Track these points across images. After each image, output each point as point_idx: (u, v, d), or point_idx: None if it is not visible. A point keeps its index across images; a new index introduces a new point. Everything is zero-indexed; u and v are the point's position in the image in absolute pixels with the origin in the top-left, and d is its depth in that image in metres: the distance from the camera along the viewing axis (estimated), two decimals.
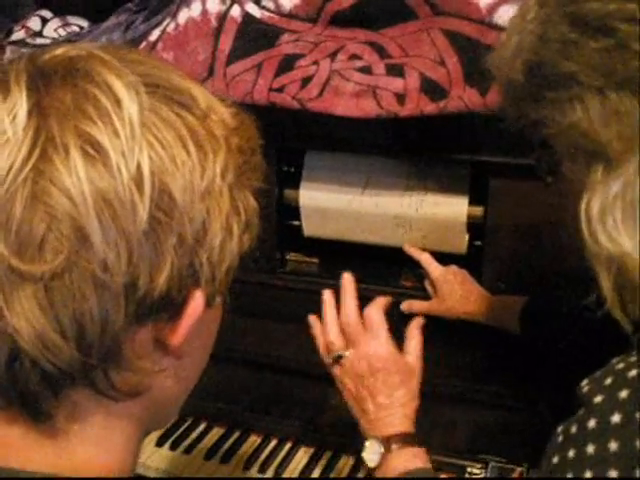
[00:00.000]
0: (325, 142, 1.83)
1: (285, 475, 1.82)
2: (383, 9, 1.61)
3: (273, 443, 1.93)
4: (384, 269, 1.96)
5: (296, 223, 1.95)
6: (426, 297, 1.86)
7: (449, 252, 1.84)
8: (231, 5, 1.73)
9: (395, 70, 1.60)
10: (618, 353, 0.97)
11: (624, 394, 0.90)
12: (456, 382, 1.78)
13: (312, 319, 1.60)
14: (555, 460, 0.95)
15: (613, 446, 0.87)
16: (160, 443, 1.93)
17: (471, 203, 1.78)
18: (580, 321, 1.07)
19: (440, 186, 1.80)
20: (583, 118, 0.98)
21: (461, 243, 1.81)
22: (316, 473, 1.82)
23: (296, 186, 1.90)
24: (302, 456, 1.89)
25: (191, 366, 0.87)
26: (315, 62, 1.65)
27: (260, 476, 1.82)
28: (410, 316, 1.82)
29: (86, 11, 2.11)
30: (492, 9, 1.54)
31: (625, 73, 0.94)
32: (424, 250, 1.86)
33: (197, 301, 0.76)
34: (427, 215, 1.79)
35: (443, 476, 1.78)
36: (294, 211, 1.93)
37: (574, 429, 0.93)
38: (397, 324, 1.84)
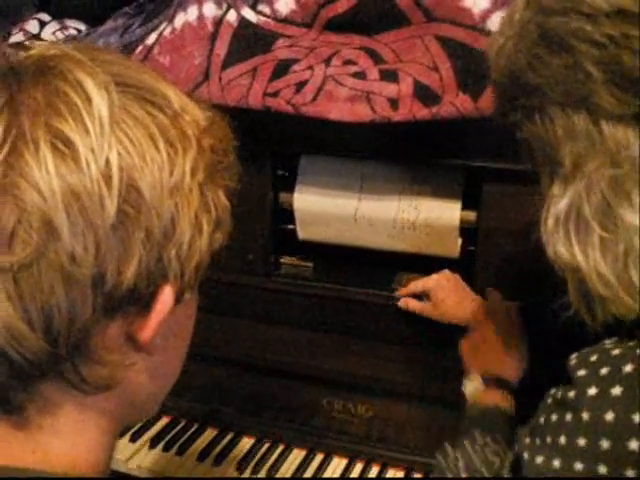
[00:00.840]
0: (319, 146, 1.83)
1: (278, 475, 1.83)
2: (377, 15, 1.62)
3: (266, 445, 1.94)
4: (378, 273, 1.96)
5: (290, 227, 1.95)
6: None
7: (442, 256, 1.84)
8: (227, 10, 1.73)
9: (389, 75, 1.60)
10: None
11: (617, 391, 0.96)
12: (447, 385, 1.78)
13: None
14: (541, 420, 1.07)
15: (585, 416, 0.97)
16: (153, 445, 1.94)
17: (464, 208, 1.78)
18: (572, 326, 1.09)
19: (433, 191, 1.80)
20: (548, 129, 1.02)
21: (454, 247, 1.82)
22: (308, 475, 1.83)
23: (291, 190, 1.91)
24: (294, 458, 1.90)
25: (166, 363, 0.88)
26: (310, 67, 1.65)
27: (253, 477, 1.83)
28: (404, 319, 1.83)
29: (84, 15, 2.12)
30: (485, 15, 1.55)
31: (581, 93, 0.96)
32: (418, 254, 1.87)
33: (166, 296, 0.77)
34: (420, 219, 1.79)
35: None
36: (289, 215, 1.93)
37: (569, 417, 1.01)
38: (392, 327, 1.87)
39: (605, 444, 0.94)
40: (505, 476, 1.23)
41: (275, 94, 1.66)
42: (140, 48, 1.80)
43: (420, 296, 1.84)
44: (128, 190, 0.72)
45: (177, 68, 1.75)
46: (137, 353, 0.79)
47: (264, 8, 1.71)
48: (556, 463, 1.00)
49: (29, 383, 0.75)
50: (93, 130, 0.70)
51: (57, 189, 0.68)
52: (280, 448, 1.93)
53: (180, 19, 1.78)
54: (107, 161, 0.70)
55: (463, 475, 1.34)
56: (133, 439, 1.96)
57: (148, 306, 0.77)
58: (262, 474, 1.83)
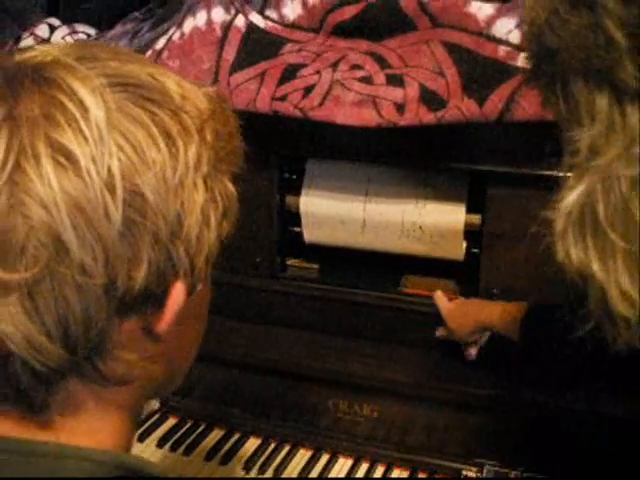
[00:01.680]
0: (326, 150, 1.85)
1: (284, 475, 1.84)
2: (384, 21, 1.64)
3: (272, 445, 1.95)
4: (384, 276, 1.98)
5: (297, 229, 1.97)
6: (426, 304, 1.88)
7: (447, 259, 1.86)
8: (235, 15, 1.75)
9: (395, 80, 1.62)
10: (617, 361, 0.93)
11: None
12: (452, 387, 1.80)
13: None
14: None
15: None
16: (160, 444, 1.96)
17: (469, 211, 1.80)
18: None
19: (438, 194, 1.82)
20: (568, 105, 0.88)
21: (459, 250, 1.83)
22: (314, 475, 1.84)
23: (297, 193, 1.93)
24: (300, 458, 1.91)
25: (180, 352, 0.90)
26: (317, 72, 1.67)
27: (260, 477, 1.84)
28: (409, 320, 1.85)
29: (93, 19, 2.13)
30: (490, 21, 1.56)
31: (603, 63, 0.81)
32: (423, 257, 1.89)
33: (177, 292, 0.78)
34: (426, 222, 1.81)
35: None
36: (295, 217, 1.95)
37: None
38: (397, 329, 1.88)
39: None
40: None
41: (283, 98, 1.68)
42: (149, 52, 1.82)
43: (425, 301, 1.87)
44: (132, 196, 0.72)
45: (186, 72, 1.76)
46: (154, 344, 0.81)
47: (272, 13, 1.73)
48: None
49: (51, 385, 0.76)
50: (92, 139, 0.70)
51: (61, 203, 0.69)
52: (286, 448, 1.95)
53: (189, 24, 1.80)
54: (109, 169, 0.70)
55: None
56: (141, 439, 1.98)
57: (162, 302, 0.78)
58: (269, 474, 1.85)
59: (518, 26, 1.55)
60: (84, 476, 0.76)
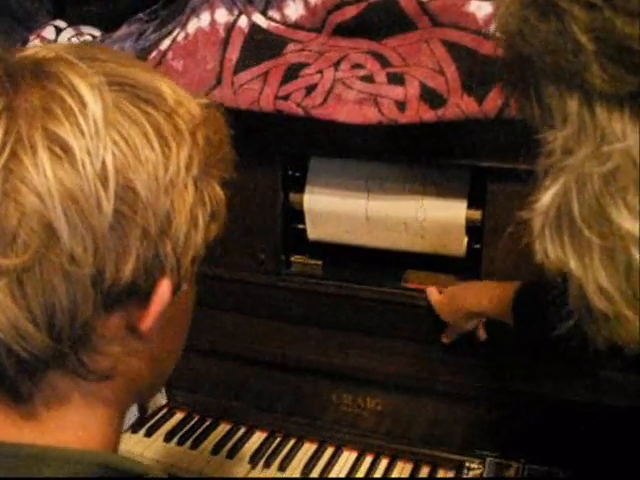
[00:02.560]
0: (329, 148, 1.88)
1: (289, 470, 1.87)
2: (384, 20, 1.65)
3: (277, 439, 1.99)
4: (386, 271, 2.00)
5: (301, 226, 1.99)
6: (427, 298, 1.89)
7: (449, 254, 1.88)
8: (239, 16, 1.77)
9: (396, 79, 1.64)
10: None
11: None
12: (454, 379, 1.82)
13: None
14: None
15: None
16: (168, 439, 1.99)
17: (470, 207, 1.82)
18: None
19: (440, 190, 1.84)
20: (541, 109, 0.89)
21: (460, 246, 1.85)
22: (319, 468, 1.87)
23: (301, 190, 1.95)
24: (305, 451, 1.94)
25: (165, 350, 0.91)
26: (319, 71, 1.69)
27: (265, 472, 1.87)
28: (412, 315, 1.87)
29: (98, 21, 2.15)
30: (489, 20, 1.58)
31: (572, 67, 0.82)
32: (425, 252, 1.91)
33: (164, 289, 0.79)
34: (427, 218, 1.83)
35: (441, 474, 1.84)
36: (299, 215, 1.97)
37: None
38: (400, 323, 1.90)
39: None
40: None
41: (286, 97, 1.70)
42: (154, 53, 1.84)
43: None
44: (124, 190, 0.74)
45: (190, 73, 1.79)
46: (138, 342, 0.82)
47: (274, 14, 1.75)
48: None
49: (35, 374, 0.78)
50: (88, 132, 0.72)
51: (55, 193, 0.71)
52: (291, 442, 1.98)
53: (193, 25, 1.82)
54: (103, 163, 0.72)
55: None
56: (148, 434, 2.00)
57: (147, 299, 0.79)
58: (274, 467, 1.87)
59: None
60: (69, 478, 0.77)
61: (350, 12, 1.67)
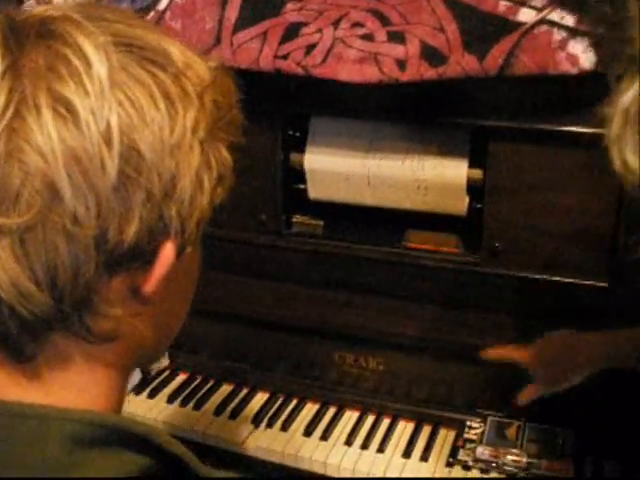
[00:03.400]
0: (329, 108, 1.87)
1: (292, 428, 1.89)
2: None
3: (280, 399, 2.00)
4: (388, 231, 1.99)
5: (301, 186, 1.99)
6: (429, 258, 1.91)
7: (450, 213, 1.88)
8: None
9: (396, 37, 1.63)
10: None
11: None
12: (456, 339, 1.83)
13: None
14: None
15: None
16: (171, 400, 2.00)
17: (471, 166, 1.81)
18: None
19: (441, 150, 1.83)
20: (626, 12, 0.87)
21: (461, 205, 1.85)
22: (321, 427, 1.88)
23: (301, 150, 1.94)
24: (308, 411, 1.96)
25: (169, 313, 0.90)
26: (319, 30, 1.68)
27: (267, 432, 1.88)
28: (412, 275, 1.87)
29: None
30: None
31: None
32: (426, 212, 1.90)
33: (167, 252, 0.78)
34: (428, 178, 1.82)
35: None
36: (299, 175, 1.97)
37: None
38: (401, 283, 1.90)
39: None
40: None
41: (285, 56, 1.69)
42: (152, 14, 1.82)
43: (427, 255, 1.89)
44: (129, 152, 0.73)
45: (189, 33, 1.78)
46: (141, 305, 0.81)
47: None
48: None
49: (38, 335, 0.77)
50: (93, 93, 0.71)
51: (59, 153, 0.70)
52: (294, 402, 1.99)
53: None
54: (107, 124, 0.72)
55: None
56: (151, 395, 2.02)
57: (150, 261, 0.78)
58: (277, 427, 1.89)
59: None
60: (69, 435, 0.77)
61: None
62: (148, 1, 1.87)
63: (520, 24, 1.54)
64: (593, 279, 1.73)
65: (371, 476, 1.74)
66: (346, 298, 1.96)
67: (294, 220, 2.06)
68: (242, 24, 1.74)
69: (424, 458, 1.78)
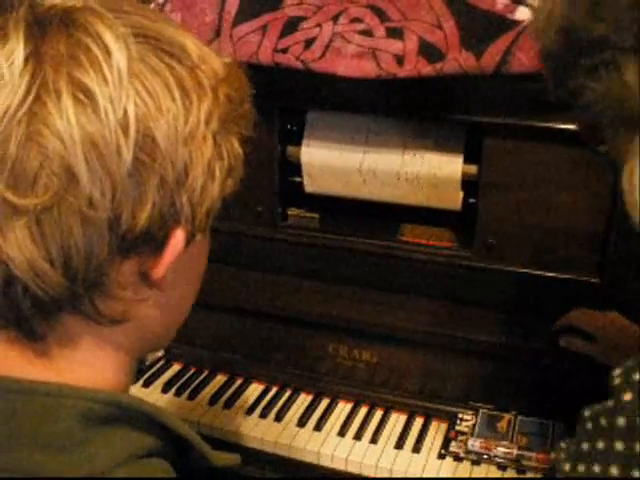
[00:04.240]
0: (326, 101, 1.88)
1: (286, 418, 1.90)
2: None
3: (274, 390, 2.01)
4: (382, 225, 2.01)
5: (298, 179, 2.00)
6: (423, 252, 1.93)
7: (444, 208, 1.90)
8: None
9: (395, 33, 1.64)
10: None
11: None
12: (449, 333, 1.85)
13: None
14: (585, 447, 0.96)
15: (639, 447, 0.88)
16: (165, 390, 2.01)
17: (466, 161, 1.83)
18: None
19: (436, 145, 1.84)
20: (618, 83, 0.93)
21: (456, 200, 1.87)
22: (315, 418, 1.90)
23: (298, 144, 1.95)
24: (302, 402, 1.97)
25: (177, 299, 0.93)
26: (318, 25, 1.70)
27: (261, 422, 1.90)
28: (406, 268, 1.89)
29: None
30: None
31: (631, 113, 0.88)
32: (421, 206, 1.92)
33: (177, 238, 0.81)
34: (424, 173, 1.84)
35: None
36: (296, 168, 1.98)
37: (604, 422, 0.94)
38: (395, 276, 1.92)
39: None
40: None
41: (285, 50, 1.71)
42: (152, 5, 1.83)
43: (422, 249, 1.90)
44: (144, 139, 0.76)
45: (188, 25, 1.78)
46: (150, 290, 0.84)
47: None
48: None
49: (50, 315, 0.80)
50: (112, 81, 0.74)
51: (77, 137, 0.73)
52: (287, 393, 2.00)
53: None
54: (125, 111, 0.74)
55: None
56: (146, 384, 2.03)
57: (161, 247, 0.81)
58: (270, 418, 1.90)
59: None
60: (82, 412, 0.80)
61: None
62: None
63: (517, 22, 1.56)
64: (585, 275, 1.75)
65: (365, 465, 1.76)
66: (340, 290, 1.97)
67: (290, 213, 2.07)
68: (242, 17, 1.75)
69: (416, 449, 1.79)
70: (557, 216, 1.74)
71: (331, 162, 1.92)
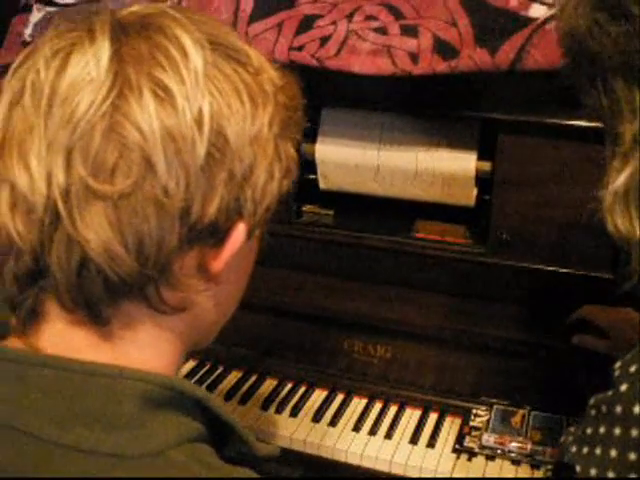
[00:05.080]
0: (341, 99, 1.90)
1: (301, 414, 1.91)
2: None
3: (289, 386, 2.02)
4: (397, 221, 2.02)
5: (312, 176, 2.01)
6: (437, 248, 1.93)
7: (458, 204, 1.91)
8: None
9: (409, 31, 1.65)
10: None
11: None
12: (463, 328, 1.86)
13: None
14: (589, 431, 1.07)
15: (634, 433, 0.98)
16: None
17: (480, 158, 1.83)
18: None
19: (450, 142, 1.85)
20: (610, 100, 0.99)
21: (470, 196, 1.88)
22: (330, 413, 1.91)
23: (313, 141, 1.96)
24: (316, 398, 1.98)
25: (229, 293, 0.99)
26: (333, 22, 1.71)
27: (276, 418, 1.91)
28: (420, 264, 1.89)
29: None
30: None
31: (638, 65, 0.92)
32: (435, 202, 1.93)
33: (239, 231, 0.86)
34: (438, 169, 1.85)
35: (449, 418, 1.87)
36: (310, 165, 1.99)
37: (604, 409, 1.04)
38: (410, 272, 1.92)
39: None
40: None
41: (300, 48, 1.72)
42: (168, 3, 1.84)
43: (437, 245, 1.91)
44: (216, 136, 0.82)
45: None
46: (206, 282, 0.89)
47: None
48: (610, 475, 1.01)
49: (117, 298, 0.84)
50: (189, 81, 0.80)
51: (157, 130, 0.78)
52: (302, 389, 2.01)
53: None
54: (200, 109, 0.80)
55: None
56: None
57: (223, 240, 0.86)
58: (285, 413, 1.91)
59: None
60: (140, 394, 0.84)
61: None
62: None
63: (531, 19, 1.57)
64: (599, 271, 1.75)
65: (380, 460, 1.77)
66: (355, 286, 1.98)
67: (304, 209, 2.09)
68: (257, 16, 1.76)
69: (431, 445, 1.80)
70: (571, 212, 1.75)
71: (345, 159, 1.93)
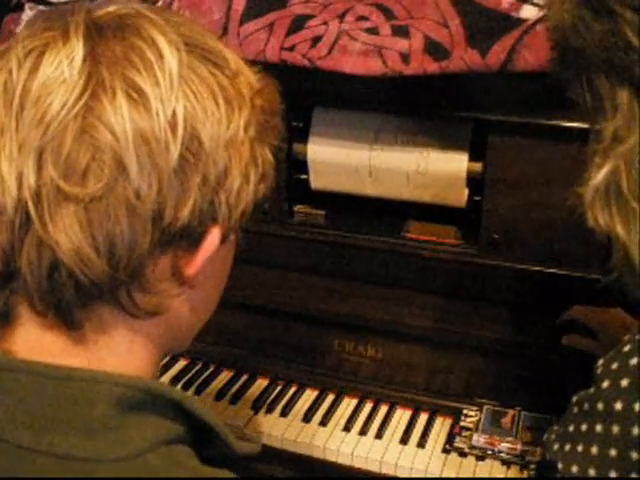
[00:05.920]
0: (332, 99, 1.89)
1: (292, 414, 1.91)
2: None
3: (279, 386, 2.02)
4: (388, 221, 2.02)
5: (304, 176, 2.01)
6: (428, 249, 1.93)
7: (449, 205, 1.91)
8: None
9: (400, 31, 1.65)
10: None
11: (625, 382, 1.01)
12: (454, 329, 1.86)
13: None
14: (571, 429, 1.09)
15: (615, 430, 1.00)
16: (172, 385, 2.01)
17: (471, 159, 1.83)
18: None
19: (442, 142, 1.85)
20: (592, 96, 1.00)
21: (461, 197, 1.87)
22: (320, 413, 1.91)
23: (304, 141, 1.96)
24: (307, 398, 1.98)
25: (204, 298, 0.98)
26: (324, 22, 1.70)
27: (267, 418, 1.91)
28: (411, 265, 1.89)
29: None
30: None
31: (623, 63, 0.93)
32: (427, 203, 1.93)
33: (213, 235, 0.86)
34: (429, 170, 1.84)
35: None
36: (302, 165, 1.99)
37: (586, 406, 1.06)
38: (401, 272, 1.92)
39: (635, 455, 0.99)
40: None
41: (291, 48, 1.71)
42: (160, 3, 1.85)
43: (428, 246, 1.91)
44: (190, 139, 0.81)
45: None
46: (180, 287, 0.88)
47: None
48: (591, 472, 1.03)
49: (89, 302, 0.83)
50: (164, 83, 0.80)
51: (129, 132, 0.77)
52: (293, 388, 2.02)
53: None
54: (174, 112, 0.80)
55: None
56: None
57: (197, 244, 0.86)
58: (276, 413, 1.91)
59: None
60: (115, 397, 0.83)
61: None
62: None
63: (522, 21, 1.57)
64: (590, 271, 1.75)
65: (370, 460, 1.77)
66: (346, 287, 1.98)
67: (296, 210, 2.08)
68: (249, 15, 1.76)
69: (421, 445, 1.80)
70: (562, 213, 1.74)
71: (337, 159, 1.93)
